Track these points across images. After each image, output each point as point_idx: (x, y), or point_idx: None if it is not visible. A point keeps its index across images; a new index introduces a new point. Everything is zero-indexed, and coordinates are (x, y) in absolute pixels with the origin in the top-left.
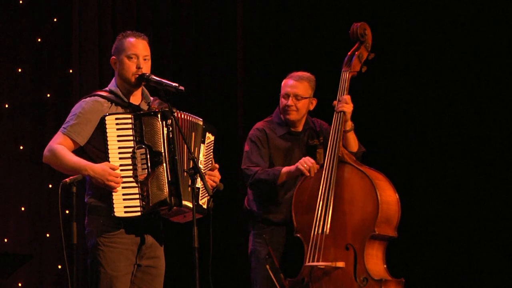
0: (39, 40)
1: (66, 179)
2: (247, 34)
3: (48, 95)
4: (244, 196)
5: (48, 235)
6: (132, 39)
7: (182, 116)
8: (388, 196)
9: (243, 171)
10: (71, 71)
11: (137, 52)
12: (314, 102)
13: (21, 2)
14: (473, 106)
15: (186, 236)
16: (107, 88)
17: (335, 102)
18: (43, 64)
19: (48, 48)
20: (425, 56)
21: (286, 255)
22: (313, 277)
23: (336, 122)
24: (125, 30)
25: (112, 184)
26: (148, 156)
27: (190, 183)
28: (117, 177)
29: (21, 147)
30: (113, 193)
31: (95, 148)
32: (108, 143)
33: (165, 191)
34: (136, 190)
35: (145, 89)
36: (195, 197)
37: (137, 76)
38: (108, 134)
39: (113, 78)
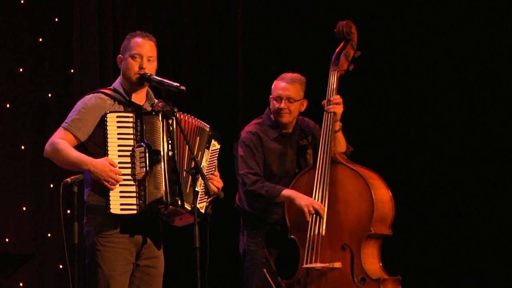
0: (40, 40)
1: (67, 179)
2: (247, 34)
3: (49, 95)
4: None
5: (49, 235)
6: (139, 39)
7: (188, 119)
8: (382, 194)
9: (241, 177)
10: (72, 71)
11: (142, 52)
12: (305, 103)
13: (22, 1)
14: (466, 102)
15: (185, 236)
16: (111, 87)
17: (324, 102)
18: (44, 64)
19: (49, 48)
20: (413, 52)
21: (281, 256)
22: (310, 278)
23: (327, 123)
24: (125, 30)
25: (111, 180)
26: (147, 154)
27: (190, 183)
28: (117, 174)
29: (22, 147)
30: (110, 190)
31: (95, 144)
32: (108, 140)
33: (162, 189)
34: (133, 188)
35: (150, 90)
36: (192, 197)
37: (139, 75)
38: (108, 132)
39: (119, 77)
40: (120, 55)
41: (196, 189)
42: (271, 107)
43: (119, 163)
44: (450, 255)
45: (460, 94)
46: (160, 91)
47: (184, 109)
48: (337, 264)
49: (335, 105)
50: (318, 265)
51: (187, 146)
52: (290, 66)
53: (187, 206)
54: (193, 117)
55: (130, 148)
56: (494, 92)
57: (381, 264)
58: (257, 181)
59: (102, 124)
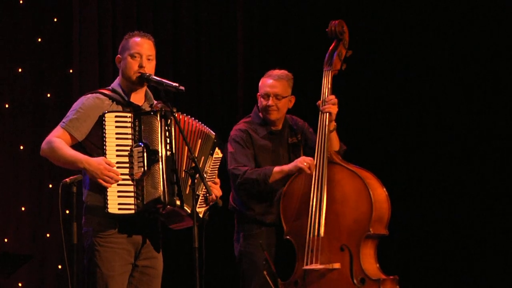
0: (39, 40)
1: (66, 179)
2: (247, 34)
3: (48, 95)
4: None
5: (48, 235)
6: (137, 39)
7: (188, 120)
8: (379, 194)
9: (231, 172)
10: (71, 71)
11: (141, 51)
12: (293, 100)
13: (21, 2)
14: (462, 101)
15: (184, 237)
16: (110, 87)
17: (319, 102)
18: (43, 64)
19: (48, 48)
20: (408, 50)
21: (277, 257)
22: (308, 279)
23: (322, 123)
24: (125, 30)
25: (106, 178)
26: (145, 154)
27: (190, 183)
28: (113, 173)
29: (21, 147)
30: (108, 190)
31: (93, 144)
32: (106, 140)
33: (160, 189)
34: (131, 188)
35: (149, 91)
36: (193, 200)
37: (138, 75)
38: (106, 131)
39: (117, 77)
40: (118, 55)
41: (197, 193)
42: (258, 104)
43: (117, 163)
44: (447, 255)
45: (456, 92)
46: (160, 91)
47: (183, 109)
48: (336, 265)
49: (331, 105)
50: (319, 266)
51: (186, 147)
52: (290, 66)
53: (186, 208)
54: (197, 121)
55: (128, 148)
56: (493, 90)
57: (378, 264)
58: (246, 171)
59: (100, 124)
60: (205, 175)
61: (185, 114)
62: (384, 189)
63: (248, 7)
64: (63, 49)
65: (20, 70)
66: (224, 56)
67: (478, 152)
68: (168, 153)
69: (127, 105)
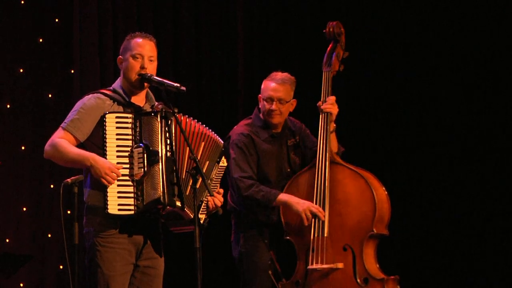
0: (40, 40)
1: (68, 180)
2: (248, 34)
3: (49, 95)
4: None
5: (49, 235)
6: (139, 40)
7: (190, 122)
8: (381, 194)
9: (235, 181)
10: (72, 71)
11: (143, 52)
12: (294, 103)
13: (22, 2)
14: (462, 101)
15: (185, 237)
16: (111, 87)
17: (319, 103)
18: (44, 64)
19: (49, 48)
20: (407, 51)
21: (277, 257)
22: (309, 279)
23: (323, 123)
24: (126, 30)
25: (108, 178)
26: (145, 155)
27: (191, 183)
28: (115, 174)
29: (23, 147)
30: (108, 191)
31: (94, 144)
32: (107, 140)
33: (159, 190)
34: (131, 189)
35: (150, 92)
36: (197, 207)
37: (139, 75)
38: (107, 132)
39: (118, 78)
40: (120, 56)
41: (202, 199)
42: (260, 106)
43: (118, 163)
44: (447, 255)
45: (456, 92)
46: (161, 92)
47: (184, 109)
48: (340, 265)
49: (331, 105)
50: (324, 265)
51: (188, 148)
52: (290, 66)
53: (187, 210)
54: (204, 125)
55: (129, 149)
56: (493, 90)
57: (378, 264)
58: (252, 185)
59: (101, 125)
60: (209, 182)
61: (187, 116)
62: (384, 189)
63: (248, 7)
64: (64, 49)
65: (21, 70)
66: (224, 56)
67: (478, 152)
68: (169, 154)
69: (128, 106)
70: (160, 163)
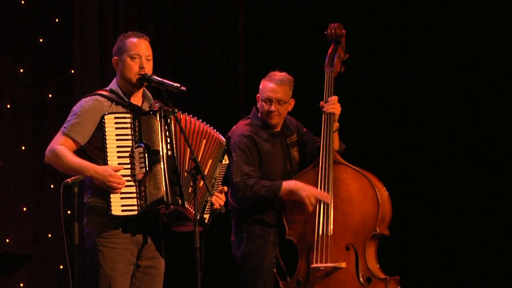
0: (40, 40)
1: (68, 180)
2: (248, 34)
3: (50, 95)
4: None
5: (49, 235)
6: (134, 39)
7: (190, 119)
8: (383, 194)
9: (236, 185)
10: (72, 71)
11: (140, 52)
12: (293, 103)
13: (22, 2)
14: (462, 101)
15: (186, 237)
16: (107, 88)
17: (322, 103)
18: (44, 64)
19: (49, 48)
20: (408, 51)
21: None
22: (311, 278)
23: (326, 123)
24: (126, 30)
25: (114, 185)
26: (146, 155)
27: (191, 184)
28: (119, 179)
29: (23, 147)
30: (111, 192)
31: (94, 147)
32: (107, 142)
33: (162, 189)
34: (133, 189)
35: (146, 91)
36: (202, 208)
37: (139, 76)
38: (106, 133)
39: (114, 78)
40: (115, 57)
41: (206, 199)
42: (259, 106)
43: (119, 164)
44: (447, 255)
45: (456, 93)
46: (161, 92)
47: (184, 109)
48: (343, 264)
49: (333, 105)
50: (328, 264)
51: (187, 147)
52: (290, 66)
53: (189, 207)
54: (205, 123)
55: (129, 149)
56: (493, 90)
57: (378, 264)
58: (254, 184)
59: (100, 126)
60: (213, 181)
61: (186, 114)
62: (385, 189)
63: (249, 7)
64: (64, 49)
65: (21, 70)
66: (224, 56)
67: (478, 152)
68: (169, 153)
69: (127, 106)
70: (162, 163)
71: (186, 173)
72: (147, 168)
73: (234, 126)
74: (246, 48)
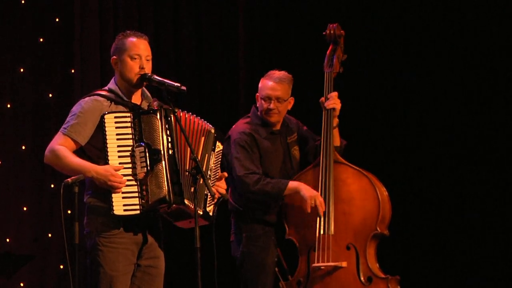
0: (40, 40)
1: (68, 179)
2: (248, 33)
3: (50, 95)
4: None
5: (50, 235)
6: (134, 39)
7: (190, 118)
8: (383, 194)
9: (241, 179)
10: (72, 70)
11: (140, 52)
12: (292, 101)
13: (22, 2)
14: (462, 101)
15: (187, 236)
16: (106, 88)
17: (322, 99)
18: (44, 64)
19: (50, 48)
20: (404, 51)
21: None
22: (312, 278)
23: (326, 120)
24: (126, 29)
25: (115, 185)
26: (147, 154)
27: (192, 183)
28: (120, 179)
29: (23, 147)
30: (112, 192)
31: (95, 147)
32: (107, 141)
33: (164, 188)
34: (135, 189)
35: (145, 90)
36: (203, 202)
37: (140, 76)
38: (107, 133)
39: (113, 78)
40: (114, 57)
41: (205, 192)
42: (258, 105)
43: (120, 163)
44: (447, 255)
45: (456, 92)
46: (161, 92)
47: (184, 109)
48: (344, 264)
49: (334, 100)
50: (330, 263)
51: (188, 146)
52: (290, 66)
53: (191, 205)
54: (199, 117)
55: (130, 148)
56: (493, 91)
57: (378, 264)
58: (259, 179)
59: (100, 126)
60: (209, 173)
61: (185, 112)
62: (385, 189)
63: (249, 7)
64: (65, 48)
65: (21, 70)
66: (224, 56)
67: (478, 152)
68: (170, 151)
69: (126, 105)
70: (163, 161)
71: (187, 173)
72: (149, 167)
73: (234, 125)
74: (246, 48)
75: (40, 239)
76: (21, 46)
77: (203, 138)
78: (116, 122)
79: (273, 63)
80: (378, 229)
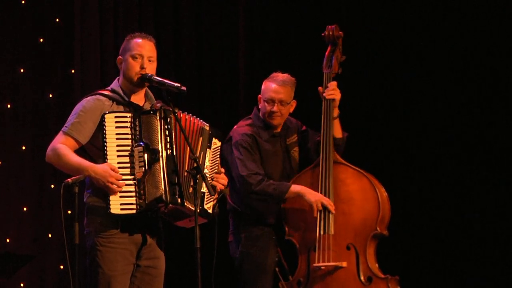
0: (41, 40)
1: (68, 180)
2: (248, 34)
3: (50, 95)
4: None
5: (50, 235)
6: (139, 40)
7: (189, 119)
8: (382, 194)
9: (244, 178)
10: (73, 71)
11: (142, 52)
12: (294, 104)
13: (22, 2)
14: (462, 101)
15: (187, 236)
16: (109, 87)
17: (321, 89)
18: (45, 64)
19: (50, 48)
20: (404, 51)
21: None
22: (312, 278)
23: (326, 109)
24: (126, 29)
25: (112, 187)
26: (146, 154)
27: (192, 184)
28: (118, 179)
29: (23, 147)
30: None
31: (95, 147)
32: (107, 141)
33: (161, 188)
34: (133, 188)
35: (149, 91)
36: (200, 200)
37: (140, 75)
38: (106, 132)
39: (117, 78)
40: (120, 57)
41: (202, 190)
42: (260, 107)
43: (118, 163)
44: (447, 255)
45: (456, 92)
46: (162, 92)
47: (185, 109)
48: (344, 263)
49: (333, 91)
50: (331, 263)
51: (187, 146)
52: (290, 66)
53: (189, 206)
54: (194, 116)
55: (129, 148)
56: (493, 91)
57: (377, 264)
58: (262, 180)
59: (101, 125)
60: (206, 170)
61: (186, 113)
62: (384, 190)
63: (249, 7)
64: (65, 49)
65: (22, 70)
66: (224, 56)
67: (478, 152)
68: (169, 152)
69: (128, 105)
70: (161, 162)
71: (186, 173)
72: (146, 167)
73: (235, 126)
74: (246, 48)
75: (40, 239)
76: (21, 46)
77: (201, 139)
78: (116, 122)
79: (273, 64)
80: (378, 229)
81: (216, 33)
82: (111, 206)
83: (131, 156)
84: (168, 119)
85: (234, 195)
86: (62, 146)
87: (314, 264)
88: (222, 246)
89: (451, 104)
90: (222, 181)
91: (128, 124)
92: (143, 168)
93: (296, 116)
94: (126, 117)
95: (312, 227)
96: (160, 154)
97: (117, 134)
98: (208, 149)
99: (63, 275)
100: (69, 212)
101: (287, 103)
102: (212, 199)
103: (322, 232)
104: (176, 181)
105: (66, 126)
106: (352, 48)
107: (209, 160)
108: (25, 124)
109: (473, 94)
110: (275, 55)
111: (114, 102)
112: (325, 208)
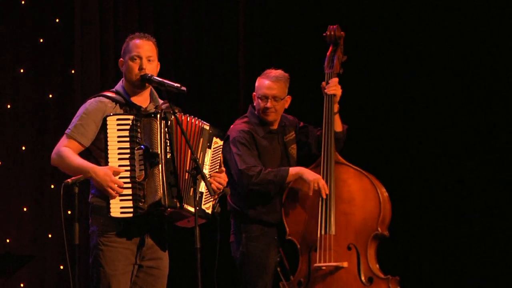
0: (41, 40)
1: (68, 180)
2: (248, 34)
3: (50, 96)
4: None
5: (50, 235)
6: (137, 41)
7: (190, 120)
8: (383, 194)
9: (243, 172)
10: (73, 71)
11: (141, 53)
12: (289, 100)
13: (22, 2)
14: (462, 101)
15: (187, 236)
16: (114, 89)
17: (323, 84)
18: (45, 64)
19: (50, 49)
20: (404, 51)
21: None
22: (313, 278)
23: (328, 105)
24: (126, 29)
25: (112, 192)
26: (146, 157)
27: (192, 184)
28: (118, 185)
29: (23, 148)
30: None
31: (98, 149)
32: (108, 143)
33: (160, 192)
34: (133, 191)
35: (154, 91)
36: (198, 200)
37: (140, 77)
38: (108, 135)
39: (121, 80)
40: (121, 59)
41: (201, 190)
42: (255, 104)
43: (120, 165)
44: (447, 255)
45: (456, 92)
46: (162, 92)
47: (185, 109)
48: (345, 264)
49: (335, 87)
50: (332, 263)
51: (188, 147)
52: (290, 66)
53: (189, 208)
54: (196, 118)
55: (130, 151)
56: (493, 90)
57: (378, 265)
58: (261, 171)
59: (103, 128)
60: (206, 170)
61: (188, 115)
62: (385, 190)
63: (249, 6)
64: (65, 49)
65: (21, 70)
66: (224, 56)
67: (478, 152)
68: (168, 155)
69: (131, 107)
70: (160, 165)
71: (187, 174)
72: (147, 170)
73: (232, 125)
74: (246, 47)
75: (40, 239)
76: (21, 46)
77: (201, 140)
78: (118, 124)
79: (273, 64)
80: (379, 229)
81: (216, 33)
82: (111, 209)
83: (132, 159)
84: (169, 122)
85: (234, 195)
86: (66, 149)
87: (315, 264)
88: (224, 246)
89: (451, 104)
90: (218, 179)
91: (130, 127)
92: (144, 171)
93: (296, 116)
94: (128, 119)
95: (313, 227)
96: (160, 157)
97: (118, 136)
98: (208, 149)
99: (63, 275)
100: (69, 212)
101: (281, 98)
102: (211, 199)
103: (323, 232)
104: (175, 184)
105: (69, 129)
106: (352, 48)
107: (209, 160)
108: (25, 124)
109: (473, 94)
110: (275, 55)
111: (117, 104)
112: (326, 208)
